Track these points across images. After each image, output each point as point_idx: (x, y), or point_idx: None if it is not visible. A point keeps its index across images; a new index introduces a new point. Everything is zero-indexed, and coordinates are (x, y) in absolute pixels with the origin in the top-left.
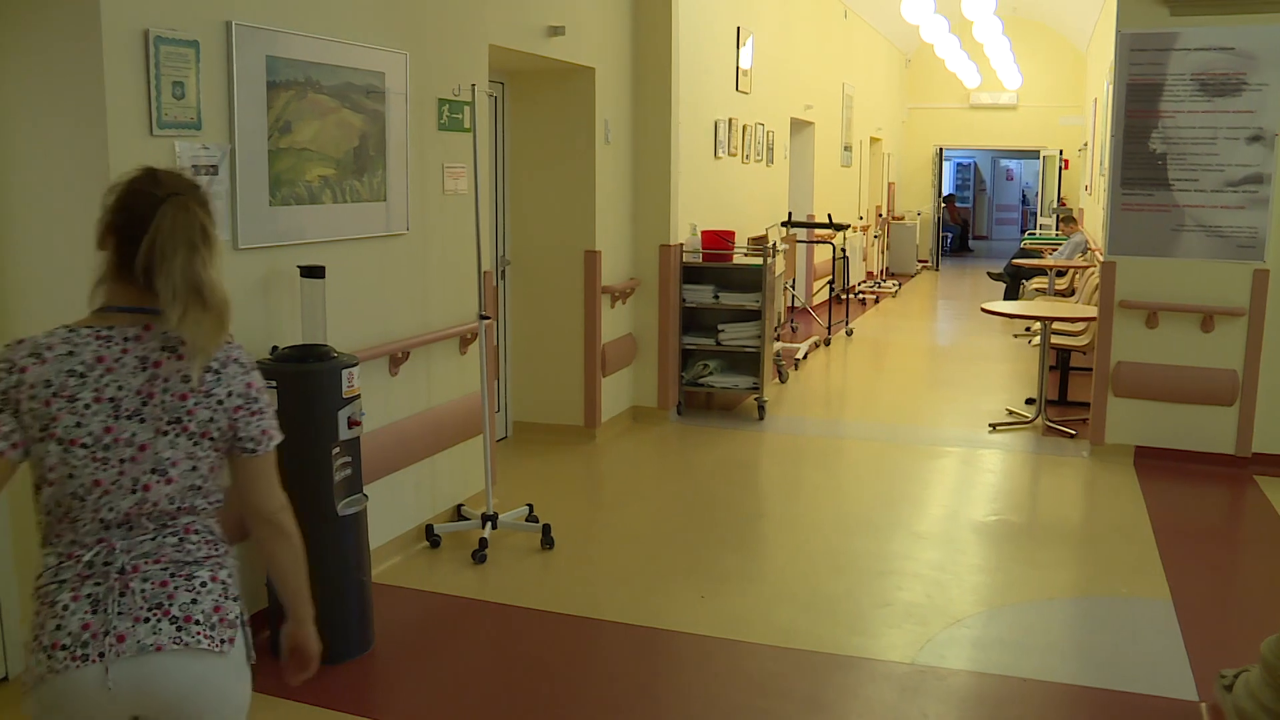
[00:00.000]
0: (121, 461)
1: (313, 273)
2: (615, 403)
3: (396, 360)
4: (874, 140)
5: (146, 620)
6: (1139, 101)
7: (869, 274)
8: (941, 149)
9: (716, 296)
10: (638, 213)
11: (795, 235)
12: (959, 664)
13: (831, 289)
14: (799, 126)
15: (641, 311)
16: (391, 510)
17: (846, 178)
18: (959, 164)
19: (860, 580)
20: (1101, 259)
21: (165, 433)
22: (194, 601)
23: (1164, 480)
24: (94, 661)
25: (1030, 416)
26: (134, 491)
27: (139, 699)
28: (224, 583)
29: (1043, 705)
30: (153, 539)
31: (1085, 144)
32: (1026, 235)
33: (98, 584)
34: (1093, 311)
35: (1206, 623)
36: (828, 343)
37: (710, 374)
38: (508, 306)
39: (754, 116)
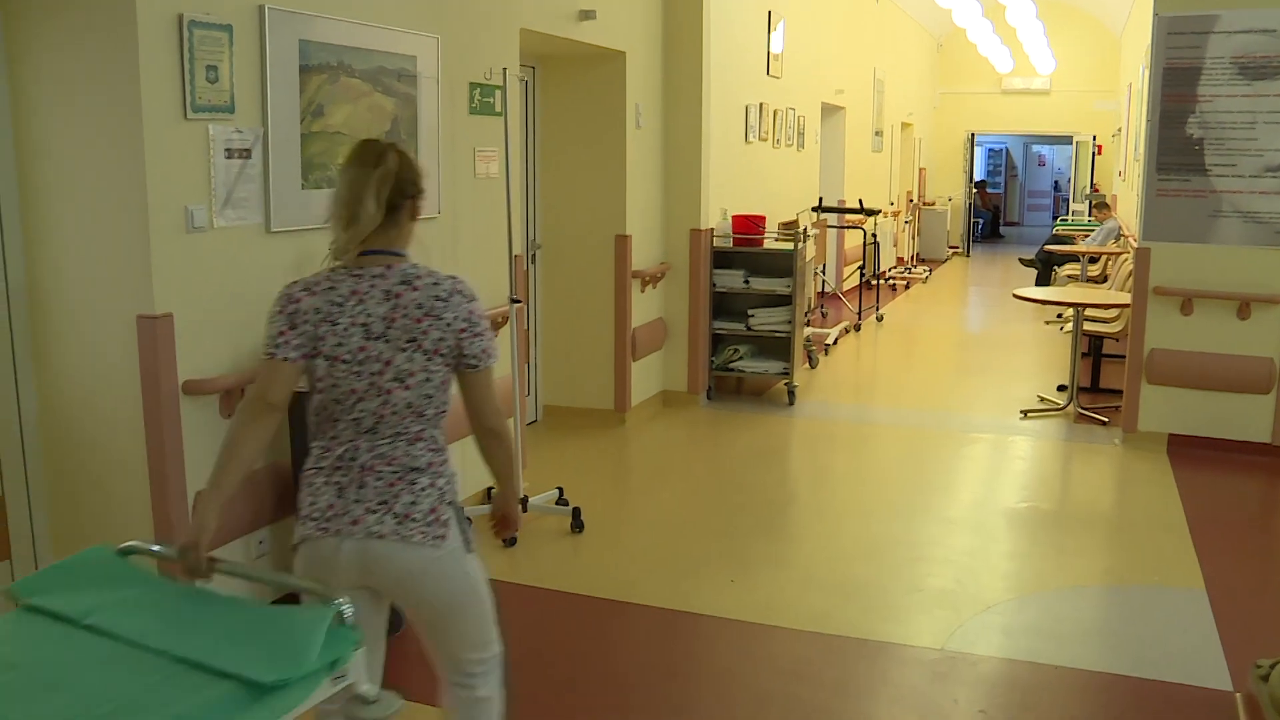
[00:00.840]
0: (371, 374)
1: None
2: (645, 387)
3: None
4: (905, 125)
5: (374, 512)
6: (1176, 85)
7: (899, 259)
8: (973, 134)
9: (747, 281)
10: (668, 197)
11: (826, 220)
12: (989, 650)
13: (862, 274)
14: (830, 111)
15: (672, 296)
16: None
17: (877, 163)
18: (990, 149)
19: (890, 566)
20: (1135, 245)
21: (404, 349)
22: (414, 503)
23: (1198, 469)
24: (333, 535)
25: (1062, 403)
26: (379, 396)
27: (365, 573)
28: (441, 488)
29: (1074, 693)
30: (389, 444)
31: (1119, 129)
32: (1059, 221)
33: (344, 475)
34: (1126, 298)
35: (1241, 612)
36: (858, 328)
37: (740, 359)
38: (538, 290)
39: (785, 101)
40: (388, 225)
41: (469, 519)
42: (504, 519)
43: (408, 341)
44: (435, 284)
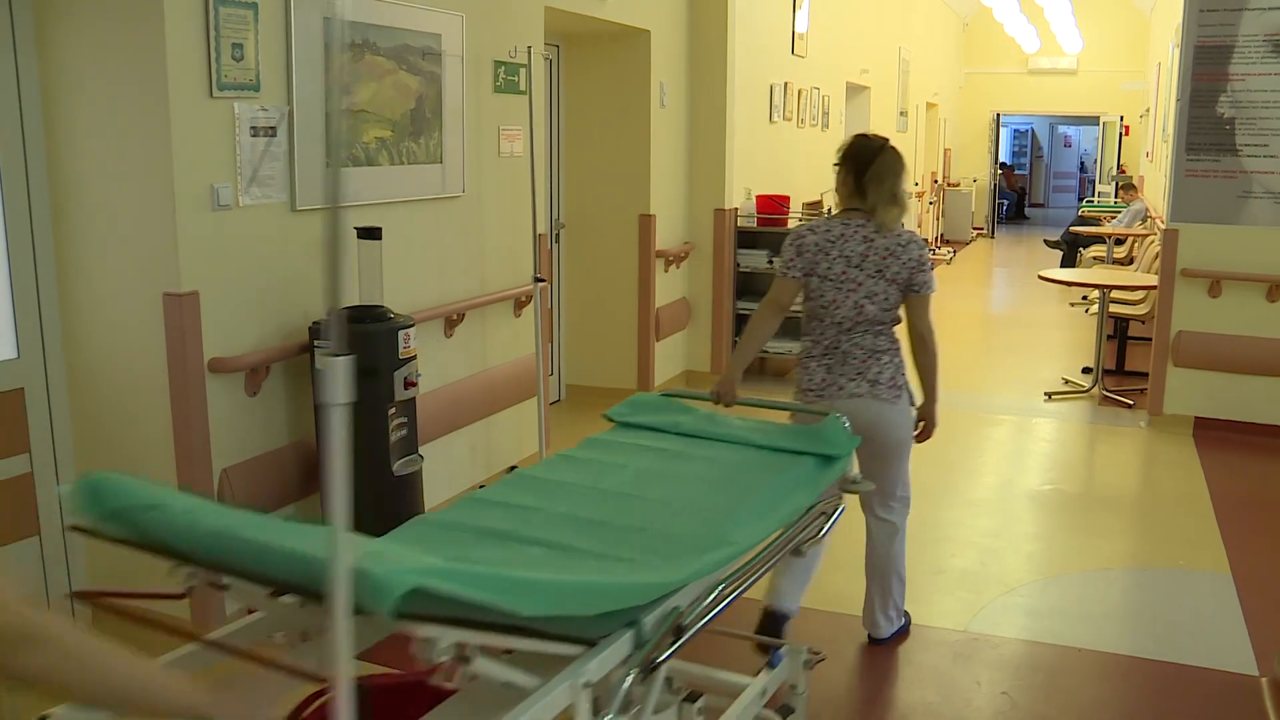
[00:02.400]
0: (849, 291)
1: (369, 234)
2: (668, 367)
3: (452, 322)
4: (930, 105)
5: (853, 380)
6: (1207, 64)
7: (924, 240)
8: (999, 115)
9: (771, 261)
10: (692, 177)
11: None
12: (1012, 632)
13: None
14: (854, 91)
15: (695, 276)
16: (446, 471)
17: (902, 143)
18: (1016, 130)
19: (914, 547)
20: (1163, 226)
21: (873, 277)
22: (879, 372)
23: (1224, 452)
24: (826, 399)
25: (1087, 385)
26: (853, 308)
27: (849, 423)
28: (896, 364)
29: (1097, 675)
30: (861, 335)
31: (1147, 110)
32: (1084, 203)
33: (829, 359)
34: (1153, 280)
35: (1267, 597)
36: None
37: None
38: (562, 269)
39: (809, 81)
40: (862, 195)
41: (909, 389)
42: (925, 423)
43: (876, 271)
44: (897, 236)
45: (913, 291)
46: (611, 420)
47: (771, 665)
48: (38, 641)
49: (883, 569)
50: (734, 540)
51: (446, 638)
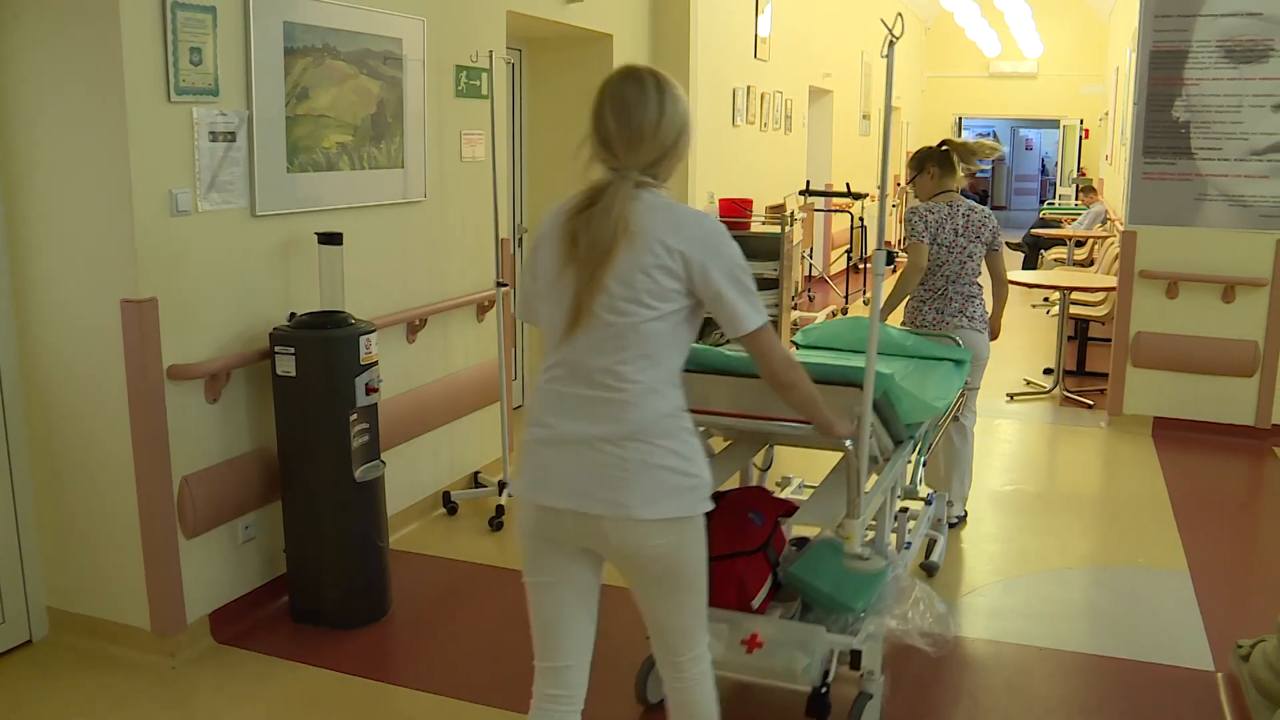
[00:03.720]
0: (956, 255)
1: (330, 239)
2: None
3: (414, 327)
4: (893, 109)
5: (955, 317)
6: (1162, 69)
7: (886, 243)
8: (961, 118)
9: None
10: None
11: (813, 204)
12: (975, 633)
13: (849, 258)
14: (817, 95)
15: None
16: (409, 477)
17: (865, 146)
18: (978, 133)
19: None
20: (1121, 229)
21: (972, 242)
22: (972, 312)
23: (1182, 451)
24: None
25: (1048, 386)
26: (954, 266)
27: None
28: (982, 304)
29: (1058, 674)
30: (957, 287)
31: (1106, 113)
32: (1045, 205)
33: (940, 302)
34: (1112, 281)
35: (1223, 593)
36: (845, 311)
37: (727, 343)
38: None
39: (772, 84)
40: (951, 179)
41: None
42: (995, 328)
43: (974, 238)
44: (978, 211)
45: (991, 250)
46: (796, 345)
47: (928, 502)
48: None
49: (962, 462)
50: (941, 400)
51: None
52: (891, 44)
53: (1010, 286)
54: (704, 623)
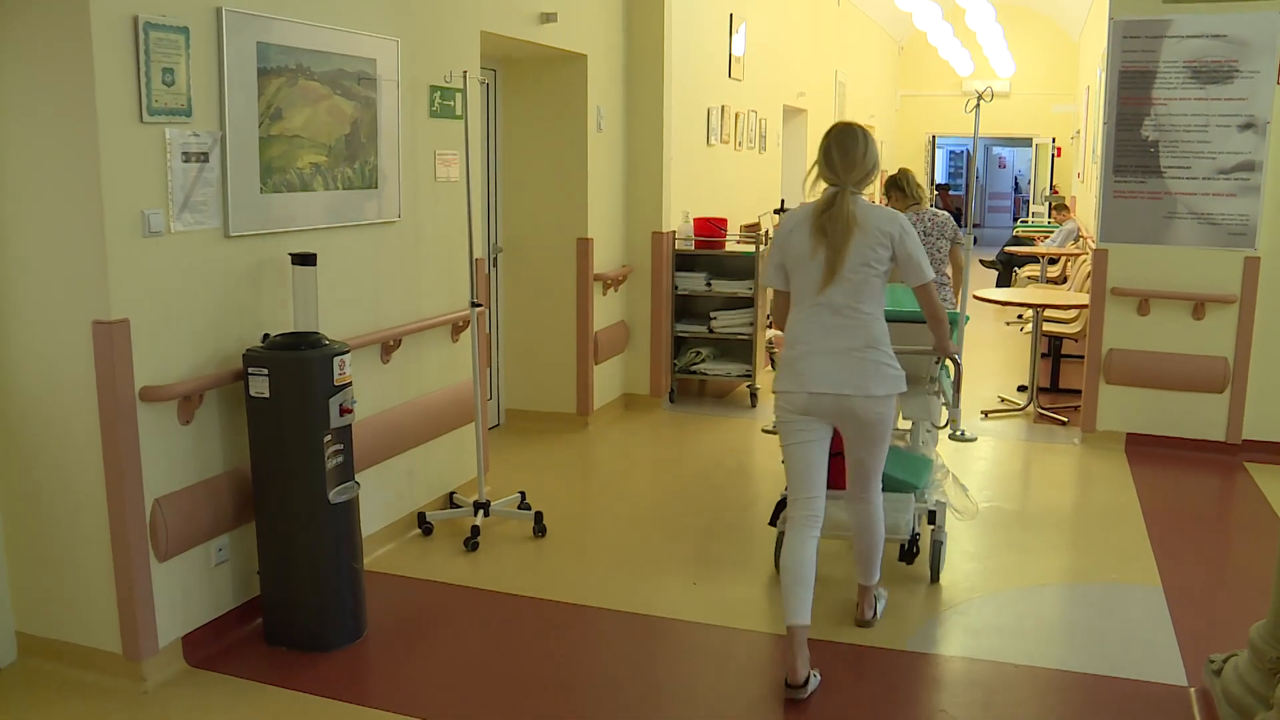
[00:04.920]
0: (926, 250)
1: (304, 260)
2: (607, 390)
3: (388, 348)
4: (868, 128)
5: None
6: (1131, 89)
7: None
8: (934, 136)
9: (709, 284)
10: (630, 200)
11: None
12: (951, 650)
13: None
14: (792, 114)
15: (634, 299)
16: (384, 498)
17: None
18: (952, 152)
19: (853, 567)
20: (1093, 246)
21: (937, 240)
22: None
23: (1155, 467)
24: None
25: (1022, 403)
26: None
27: None
28: (949, 290)
29: (1034, 691)
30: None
31: (1078, 132)
32: (1019, 223)
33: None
34: (1084, 299)
35: (1196, 608)
36: None
37: (702, 361)
38: (500, 294)
39: (747, 104)
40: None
41: None
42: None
43: (939, 235)
44: (940, 215)
45: (956, 243)
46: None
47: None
48: None
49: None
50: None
51: None
52: (977, 106)
53: (984, 304)
54: (883, 468)
